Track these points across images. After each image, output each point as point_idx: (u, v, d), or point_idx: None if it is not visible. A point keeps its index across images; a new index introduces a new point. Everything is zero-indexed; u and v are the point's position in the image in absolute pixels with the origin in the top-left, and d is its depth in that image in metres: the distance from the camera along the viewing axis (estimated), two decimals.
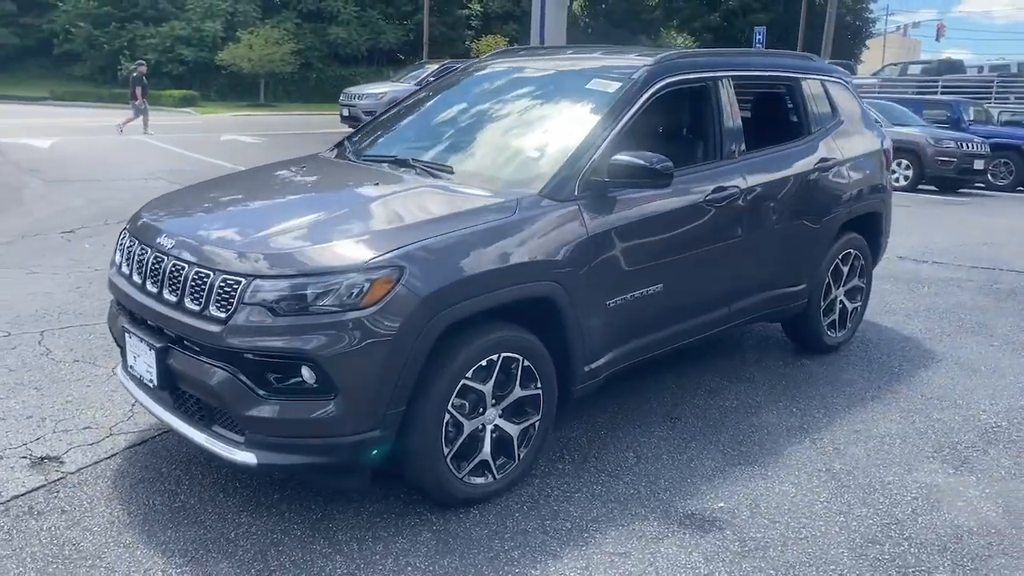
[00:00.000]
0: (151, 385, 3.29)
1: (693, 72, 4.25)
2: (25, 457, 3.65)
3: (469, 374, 3.21)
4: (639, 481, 3.63)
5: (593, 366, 3.71)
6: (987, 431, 4.20)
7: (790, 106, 4.93)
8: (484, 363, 3.26)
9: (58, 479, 3.49)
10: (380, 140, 4.50)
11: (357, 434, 3.00)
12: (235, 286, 2.96)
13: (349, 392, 2.94)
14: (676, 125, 4.65)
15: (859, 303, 5.36)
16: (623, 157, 3.59)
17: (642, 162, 3.56)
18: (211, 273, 3.04)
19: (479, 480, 3.37)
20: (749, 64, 4.79)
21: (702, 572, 2.98)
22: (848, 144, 5.05)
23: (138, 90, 20.18)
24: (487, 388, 3.29)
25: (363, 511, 3.33)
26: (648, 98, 3.96)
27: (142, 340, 3.30)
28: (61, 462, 3.63)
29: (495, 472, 3.41)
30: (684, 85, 4.22)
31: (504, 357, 3.32)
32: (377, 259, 2.97)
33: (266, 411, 2.96)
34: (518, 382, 3.41)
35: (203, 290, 3.05)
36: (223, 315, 2.97)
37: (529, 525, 3.26)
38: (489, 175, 3.68)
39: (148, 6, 43.50)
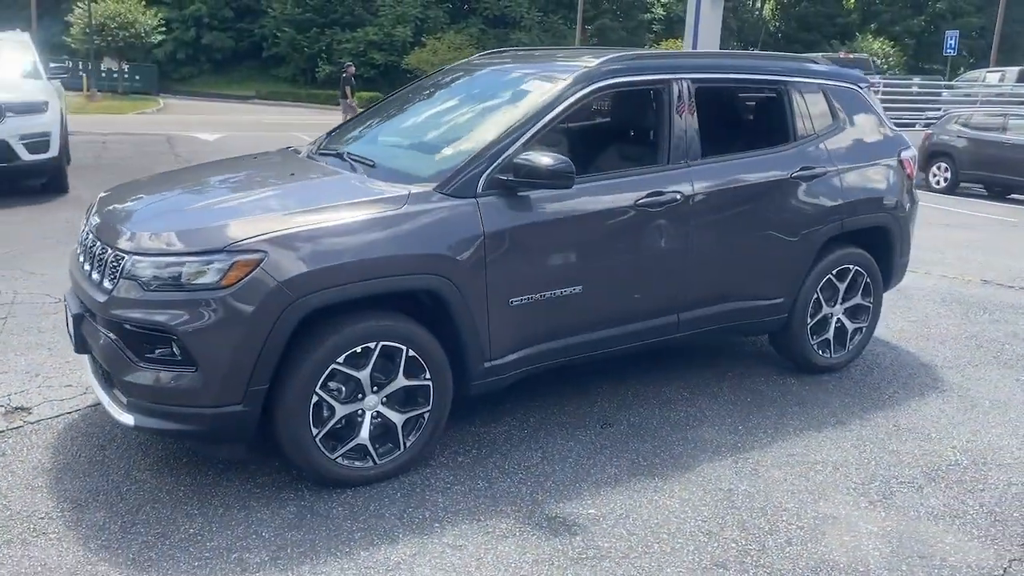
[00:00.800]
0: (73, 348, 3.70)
1: (638, 75, 4.19)
2: (2, 406, 4.17)
3: (341, 359, 3.37)
4: (527, 480, 3.65)
5: (496, 363, 3.76)
6: (938, 468, 3.86)
7: (774, 111, 4.70)
8: (359, 350, 3.40)
9: (17, 427, 3.97)
10: (342, 135, 4.73)
11: (218, 406, 3.24)
12: (120, 261, 3.29)
13: (209, 366, 3.19)
14: (618, 128, 4.57)
15: (864, 323, 5.01)
16: (523, 157, 3.63)
17: (539, 162, 3.58)
18: (108, 249, 3.39)
19: (357, 463, 3.52)
20: (719, 67, 4.63)
21: (523, 574, 2.99)
22: (845, 152, 4.75)
23: (347, 89, 21.56)
24: (363, 375, 3.44)
25: (251, 481, 3.57)
26: (578, 100, 3.96)
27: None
28: (28, 412, 4.12)
29: (376, 457, 3.55)
30: (626, 88, 4.18)
31: (385, 346, 3.45)
32: (239, 243, 3.21)
33: (141, 377, 3.27)
34: (402, 371, 3.52)
35: (103, 265, 3.40)
36: (110, 288, 3.31)
37: (389, 511, 3.38)
38: (404, 170, 3.82)
39: (346, 12, 46.34)
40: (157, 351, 3.25)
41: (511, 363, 3.82)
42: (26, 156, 9.30)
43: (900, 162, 5.00)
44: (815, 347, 4.85)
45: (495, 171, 3.67)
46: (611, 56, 4.18)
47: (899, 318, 6.14)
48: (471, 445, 3.96)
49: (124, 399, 3.37)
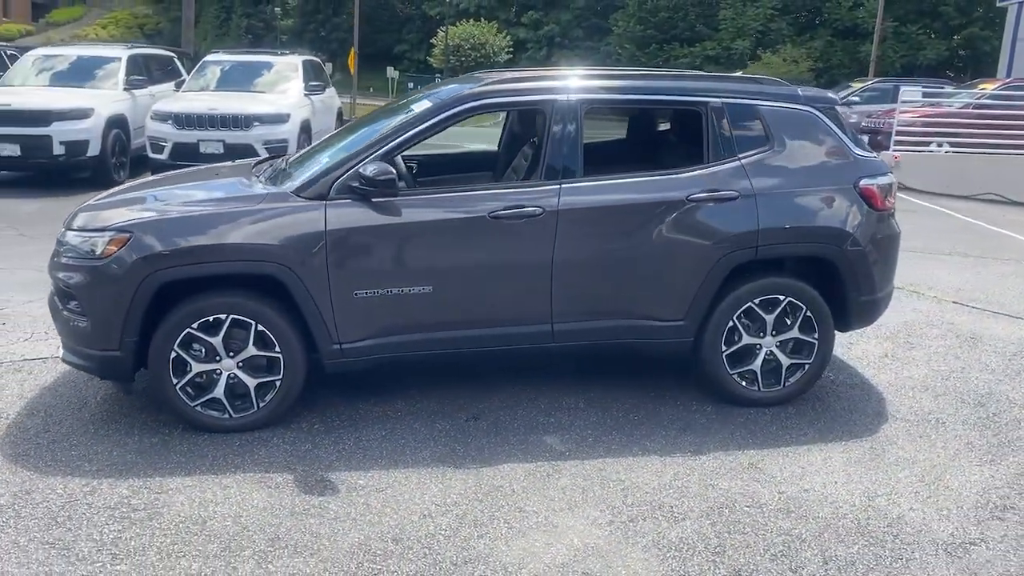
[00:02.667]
0: None
1: (512, 96, 4.49)
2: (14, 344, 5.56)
3: (195, 325, 4.19)
4: (337, 446, 4.19)
5: (346, 346, 4.33)
6: (790, 508, 3.68)
7: (687, 133, 4.62)
8: (211, 320, 4.20)
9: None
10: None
11: (103, 351, 4.22)
12: (62, 235, 4.41)
13: (94, 318, 4.20)
14: (505, 144, 4.80)
15: (805, 359, 4.69)
16: (362, 167, 4.17)
17: (364, 171, 4.11)
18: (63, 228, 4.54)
19: (214, 413, 4.31)
20: (622, 88, 4.67)
21: (220, 514, 3.57)
22: (773, 177, 4.52)
23: None
24: (216, 341, 4.22)
25: (152, 416, 4.51)
26: (441, 121, 4.38)
27: None
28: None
29: (231, 411, 4.31)
30: (503, 108, 4.48)
31: (235, 319, 4.21)
32: (116, 224, 4.17)
33: (60, 321, 4.37)
34: (251, 342, 4.25)
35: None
36: (54, 254, 4.45)
37: (198, 448, 4.13)
38: (291, 178, 4.50)
39: (687, 28, 46.85)
40: (71, 303, 4.31)
41: (363, 348, 4.35)
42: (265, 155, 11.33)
43: (858, 191, 4.60)
44: (735, 378, 4.66)
45: (347, 178, 4.24)
46: (490, 80, 4.52)
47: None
48: (332, 416, 4.54)
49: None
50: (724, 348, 4.63)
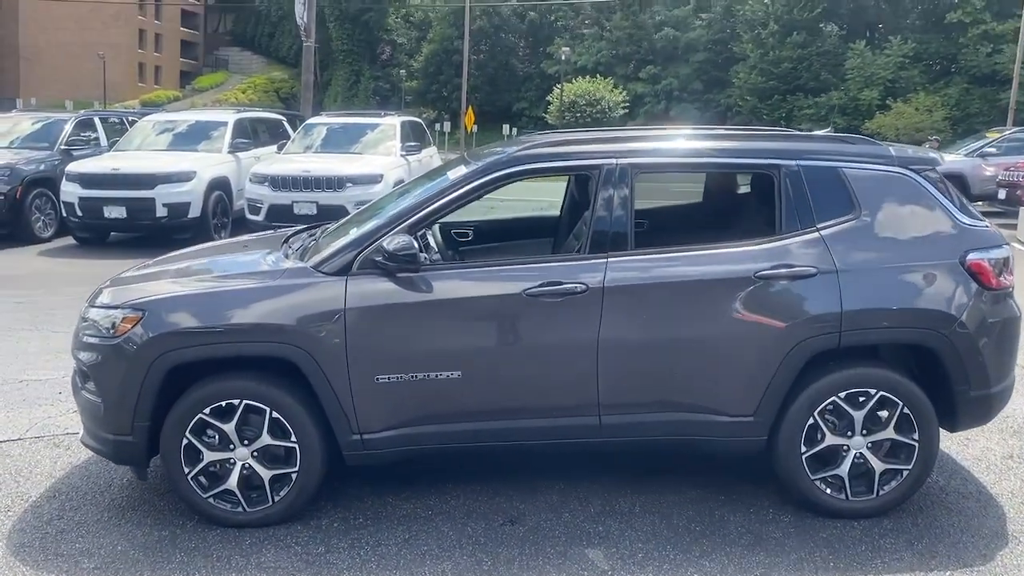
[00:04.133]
0: None
1: (555, 161, 4.04)
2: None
3: (207, 411, 3.89)
4: (353, 549, 3.77)
5: (367, 437, 3.93)
6: None
7: (753, 199, 4.03)
8: (223, 404, 3.88)
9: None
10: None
11: (116, 435, 3.97)
12: (84, 310, 4.22)
13: (107, 400, 3.96)
14: (545, 214, 4.30)
15: (903, 465, 3.96)
16: (384, 241, 3.80)
17: (385, 245, 3.74)
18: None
19: (227, 506, 3.97)
20: (677, 151, 4.12)
21: None
22: (860, 251, 3.87)
23: None
24: (228, 428, 3.90)
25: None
26: (476, 188, 3.98)
27: None
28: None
29: (245, 504, 3.97)
30: (539, 175, 4.02)
31: (249, 404, 3.89)
32: (130, 302, 3.94)
33: (80, 401, 4.16)
34: (266, 430, 3.91)
35: None
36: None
37: (206, 546, 3.78)
38: (317, 251, 4.17)
39: (811, 78, 45.47)
40: (88, 383, 4.09)
41: (385, 440, 3.93)
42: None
43: (966, 266, 3.88)
44: (818, 484, 3.97)
45: (370, 252, 3.88)
46: (536, 142, 4.10)
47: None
48: (354, 511, 4.12)
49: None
50: (804, 449, 3.95)
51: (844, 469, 3.97)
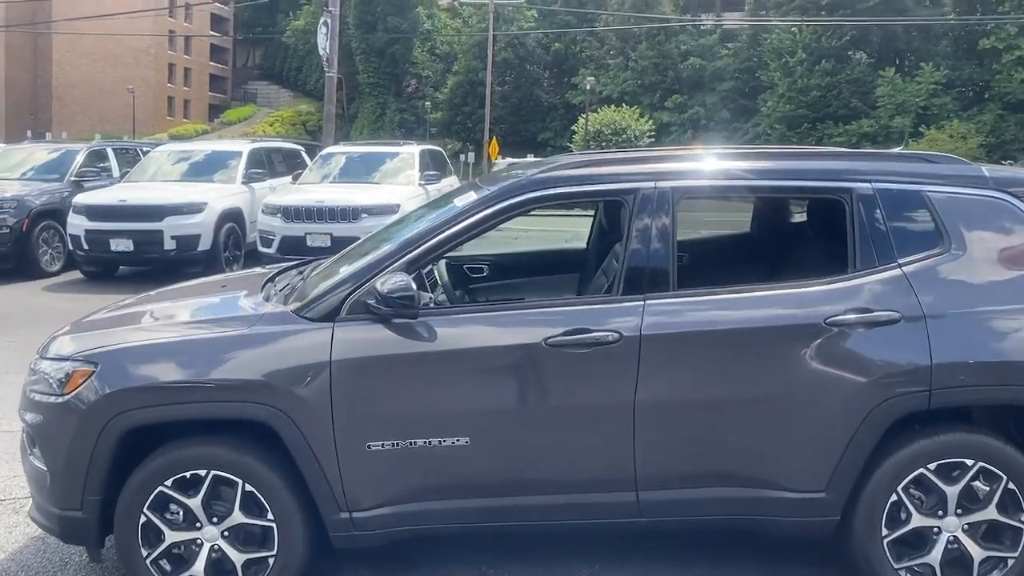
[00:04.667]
0: None
1: (578, 185, 3.40)
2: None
3: (168, 483, 3.27)
4: None
5: (357, 516, 3.29)
6: None
7: (822, 229, 3.38)
8: (188, 475, 3.27)
9: None
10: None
11: (63, 510, 3.36)
12: (34, 362, 3.64)
13: (53, 468, 3.35)
14: (568, 247, 3.67)
15: (1008, 551, 3.24)
16: (378, 281, 3.19)
17: (378, 286, 3.13)
18: None
19: None
20: (731, 173, 3.47)
21: None
22: (951, 291, 3.19)
23: None
24: (194, 503, 3.28)
25: None
26: (487, 218, 3.37)
27: None
28: None
29: None
30: (564, 202, 3.40)
31: (217, 475, 3.26)
32: (80, 353, 3.34)
33: (27, 468, 3.56)
34: (238, 506, 3.28)
35: None
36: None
37: None
38: (301, 293, 3.55)
39: (840, 106, 44.70)
40: (35, 447, 3.49)
41: (379, 519, 3.29)
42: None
43: None
44: (903, 574, 3.27)
45: (361, 294, 3.26)
46: (561, 162, 3.48)
47: None
48: None
49: None
50: (885, 532, 3.25)
51: (935, 556, 3.26)
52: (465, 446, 3.22)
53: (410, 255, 3.32)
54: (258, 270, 4.51)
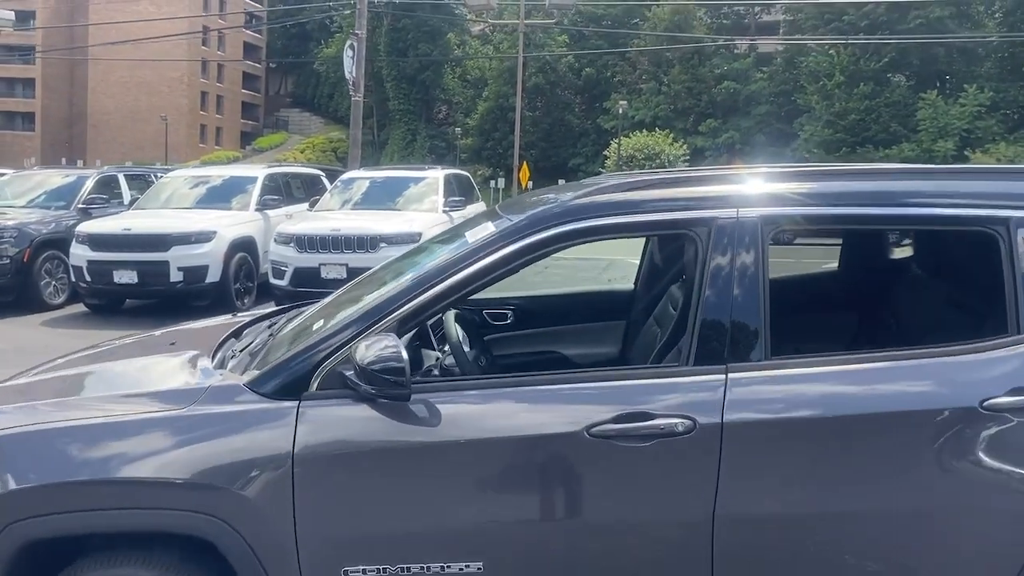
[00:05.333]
0: None
1: (630, 214, 2.51)
2: None
3: None
4: None
5: None
6: None
7: (967, 275, 2.47)
8: None
9: None
10: None
11: None
12: None
13: None
14: (611, 298, 2.81)
15: None
16: (355, 345, 2.33)
17: (358, 355, 2.27)
18: None
19: None
20: (838, 195, 2.56)
21: None
22: None
23: None
24: None
25: None
26: (515, 256, 2.48)
27: None
28: None
29: None
30: (611, 235, 2.51)
31: None
32: None
33: None
34: None
35: None
36: None
37: None
38: (265, 356, 2.70)
39: (880, 130, 43.54)
40: None
41: None
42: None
43: None
44: None
45: (338, 362, 2.40)
46: (596, 185, 2.60)
47: None
48: None
49: None
50: None
51: None
52: (477, 574, 2.34)
53: (402, 311, 2.45)
54: (221, 320, 3.63)
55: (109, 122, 70.71)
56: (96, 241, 10.52)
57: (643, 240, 3.86)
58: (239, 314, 3.56)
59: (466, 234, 2.72)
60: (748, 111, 48.63)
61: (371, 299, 2.54)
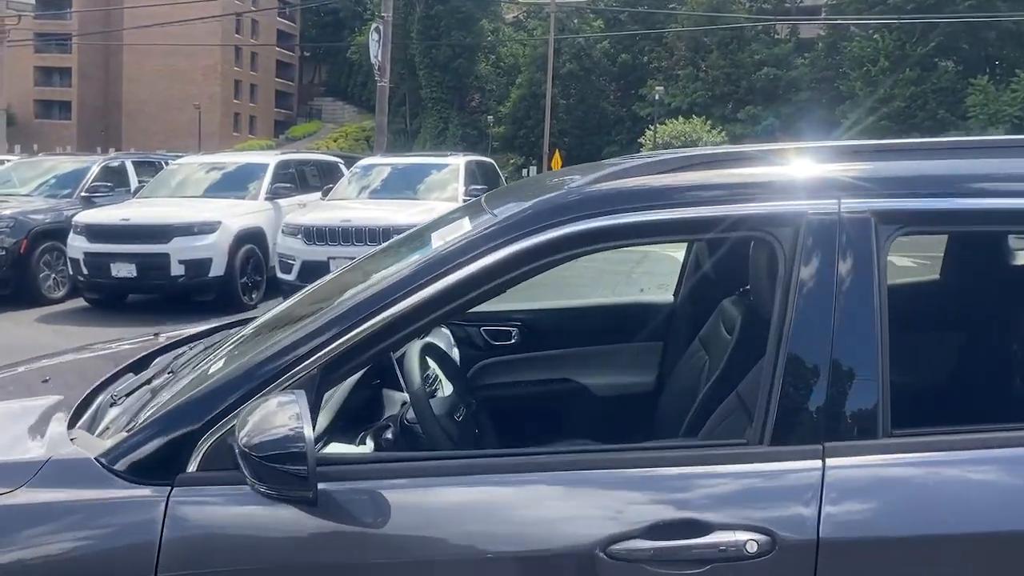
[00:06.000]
0: None
1: (670, 208, 1.65)
2: None
3: None
4: None
5: None
6: None
7: None
8: None
9: None
10: None
11: None
12: None
13: None
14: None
15: None
16: (244, 415, 1.51)
17: (245, 432, 1.46)
18: None
19: None
20: (982, 175, 1.68)
21: None
22: None
23: None
24: None
25: None
26: (498, 270, 1.66)
27: None
28: None
29: None
30: (642, 240, 1.67)
31: None
32: None
33: None
34: None
35: None
36: None
37: None
38: (141, 413, 1.90)
39: (926, 117, 42.07)
40: None
41: None
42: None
43: None
44: None
45: (228, 432, 1.59)
46: (619, 165, 1.75)
47: None
48: None
49: None
50: None
51: None
52: None
53: (318, 357, 1.61)
54: (138, 341, 2.80)
55: (143, 111, 70.92)
56: (93, 232, 9.86)
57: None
58: (164, 333, 2.75)
59: (432, 236, 1.89)
60: (789, 98, 47.26)
61: (280, 335, 1.72)
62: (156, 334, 2.77)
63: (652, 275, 10.67)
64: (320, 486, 1.50)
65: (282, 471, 1.42)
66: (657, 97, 42.71)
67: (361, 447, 1.92)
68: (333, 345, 1.61)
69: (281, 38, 79.30)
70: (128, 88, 71.54)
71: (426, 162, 11.87)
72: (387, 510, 1.52)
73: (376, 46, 21.97)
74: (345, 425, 2.04)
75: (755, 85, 47.83)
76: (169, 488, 1.59)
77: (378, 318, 1.62)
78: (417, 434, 1.89)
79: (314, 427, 1.53)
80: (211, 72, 70.91)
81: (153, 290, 10.18)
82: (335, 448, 1.85)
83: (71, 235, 10.10)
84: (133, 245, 9.66)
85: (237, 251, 10.07)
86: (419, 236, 2.08)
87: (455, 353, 2.94)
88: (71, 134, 68.61)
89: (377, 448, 1.90)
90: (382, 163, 12.01)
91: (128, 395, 2.04)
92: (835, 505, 1.46)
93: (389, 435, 1.89)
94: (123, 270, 9.69)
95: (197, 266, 9.70)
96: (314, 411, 1.57)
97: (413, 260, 1.74)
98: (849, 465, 1.49)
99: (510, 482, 1.59)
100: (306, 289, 2.39)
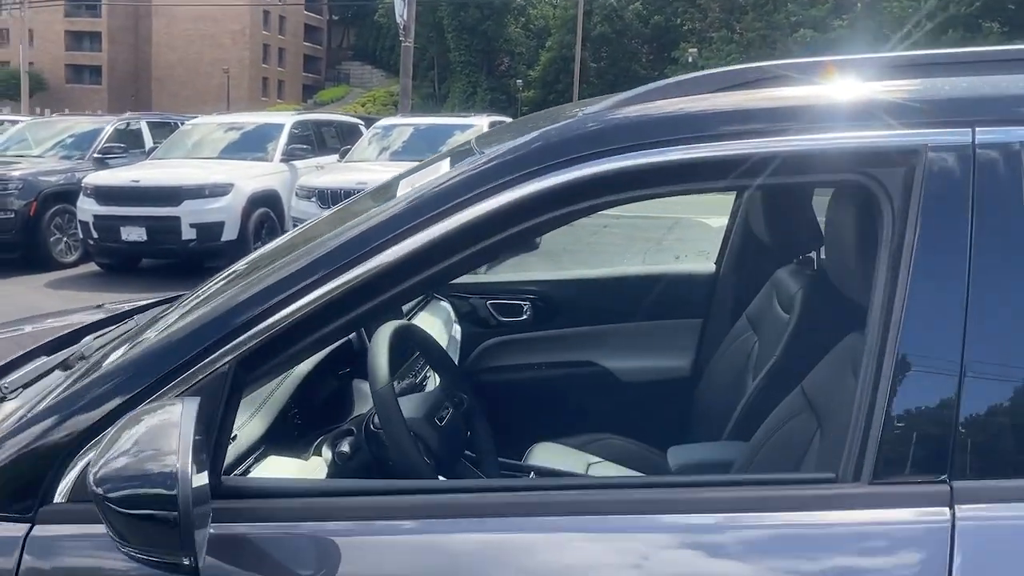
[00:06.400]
0: None
1: (746, 137, 1.17)
2: None
3: None
4: None
5: None
6: None
7: None
8: None
9: None
10: None
11: None
12: None
13: None
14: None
15: None
16: (105, 440, 1.06)
17: (98, 471, 1.00)
18: None
19: None
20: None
21: None
22: None
23: None
24: None
25: None
26: (483, 227, 1.21)
27: None
28: None
29: None
30: (690, 183, 1.18)
31: None
32: None
33: None
34: None
35: None
36: None
37: None
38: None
39: None
40: None
41: None
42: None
43: None
44: None
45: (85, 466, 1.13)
46: (652, 88, 1.26)
47: None
48: None
49: None
50: None
51: None
52: None
53: (231, 350, 1.16)
54: (76, 315, 2.36)
55: (173, 75, 70.88)
56: (102, 194, 9.51)
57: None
58: (110, 303, 2.33)
59: (399, 184, 1.42)
60: None
61: (184, 322, 1.26)
62: (99, 305, 2.33)
63: (685, 242, 10.10)
64: (235, 529, 1.06)
65: (146, 524, 0.98)
66: (690, 60, 41.65)
67: (315, 459, 1.47)
68: (251, 332, 1.16)
69: (309, 1, 78.67)
70: (157, 53, 71.47)
71: (449, 122, 11.38)
72: (319, 566, 1.07)
73: (401, 4, 21.36)
74: (299, 429, 1.60)
75: (791, 48, 46.45)
76: (29, 526, 1.15)
77: (314, 294, 1.16)
78: (384, 444, 1.44)
79: (232, 439, 1.09)
80: (240, 36, 70.58)
81: (164, 255, 9.84)
82: (273, 466, 1.40)
83: (80, 197, 9.76)
84: (143, 208, 9.30)
85: (250, 214, 9.68)
86: (388, 187, 1.61)
87: (456, 330, 2.50)
88: (102, 99, 68.71)
89: (335, 462, 1.45)
90: (403, 123, 11.53)
91: (26, 386, 1.61)
92: (971, 570, 0.99)
93: (346, 447, 1.43)
94: (133, 234, 9.34)
95: (209, 230, 9.33)
96: (225, 423, 1.12)
97: (370, 216, 1.27)
98: (989, 515, 1.02)
99: (495, 527, 1.13)
100: (249, 255, 1.94)
